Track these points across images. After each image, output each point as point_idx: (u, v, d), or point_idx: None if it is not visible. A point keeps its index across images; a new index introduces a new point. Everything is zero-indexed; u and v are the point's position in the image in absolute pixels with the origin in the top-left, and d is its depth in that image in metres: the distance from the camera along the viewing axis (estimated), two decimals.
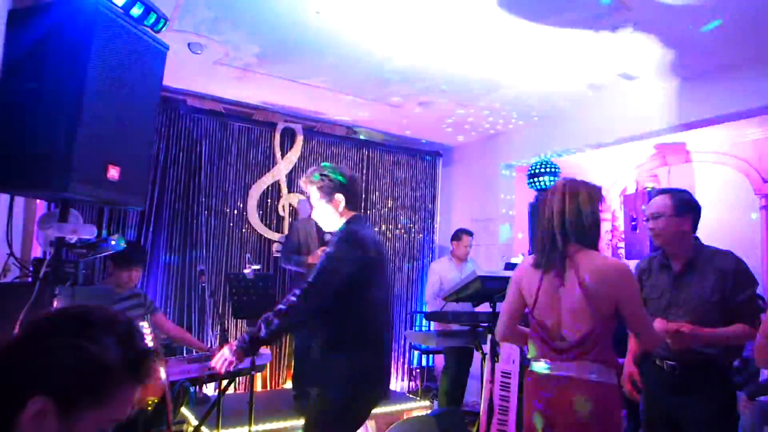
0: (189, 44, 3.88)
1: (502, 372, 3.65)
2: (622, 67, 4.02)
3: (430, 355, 6.09)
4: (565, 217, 1.95)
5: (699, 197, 2.49)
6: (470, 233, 5.14)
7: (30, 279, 1.92)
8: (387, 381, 2.35)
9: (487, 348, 3.47)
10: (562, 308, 1.93)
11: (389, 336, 2.40)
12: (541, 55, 3.87)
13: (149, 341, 2.34)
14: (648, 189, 5.59)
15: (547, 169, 5.24)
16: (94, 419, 0.82)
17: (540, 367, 1.96)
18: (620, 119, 4.68)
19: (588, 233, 1.95)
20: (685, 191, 2.44)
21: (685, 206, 2.34)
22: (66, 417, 0.78)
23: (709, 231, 2.82)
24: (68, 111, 1.66)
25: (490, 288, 3.51)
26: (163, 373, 2.32)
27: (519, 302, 2.09)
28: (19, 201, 2.43)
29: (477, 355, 4.11)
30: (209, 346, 3.72)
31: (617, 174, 6.37)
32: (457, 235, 5.15)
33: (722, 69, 3.92)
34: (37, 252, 2.68)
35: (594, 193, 1.99)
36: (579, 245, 1.94)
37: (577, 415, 1.80)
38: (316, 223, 4.57)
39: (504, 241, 5.85)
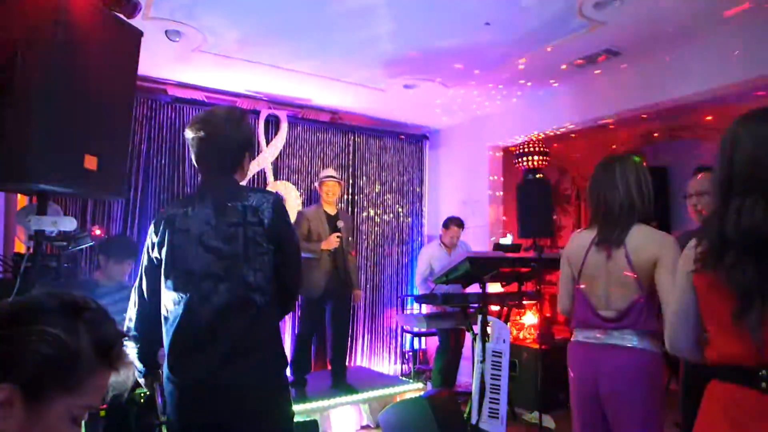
0: (166, 31, 3.81)
1: (494, 351, 3.68)
2: (606, 42, 4.00)
3: (422, 338, 6.13)
4: (642, 191, 2.00)
5: (684, 173, 2.50)
6: (460, 224, 5.12)
7: (11, 274, 1.89)
8: None
9: (477, 328, 3.49)
10: (608, 279, 1.98)
11: None
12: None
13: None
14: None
15: (534, 149, 5.24)
16: (65, 406, 0.80)
17: (586, 335, 2.04)
18: (606, 96, 4.68)
19: (650, 207, 2.02)
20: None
21: None
22: (34, 405, 0.77)
23: None
24: (38, 98, 1.62)
25: (480, 269, 3.52)
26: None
27: (570, 275, 2.15)
28: None
29: (468, 336, 4.14)
30: None
31: (604, 153, 6.38)
32: (446, 224, 5.16)
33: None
34: (21, 247, 2.64)
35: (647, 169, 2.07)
36: (638, 221, 1.98)
37: (622, 381, 1.88)
38: (325, 210, 4.61)
39: (492, 223, 5.86)
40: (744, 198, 1.20)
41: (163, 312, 1.78)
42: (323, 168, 5.53)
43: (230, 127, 1.84)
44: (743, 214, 1.18)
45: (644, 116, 5.07)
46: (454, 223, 5.12)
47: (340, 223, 4.52)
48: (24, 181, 1.68)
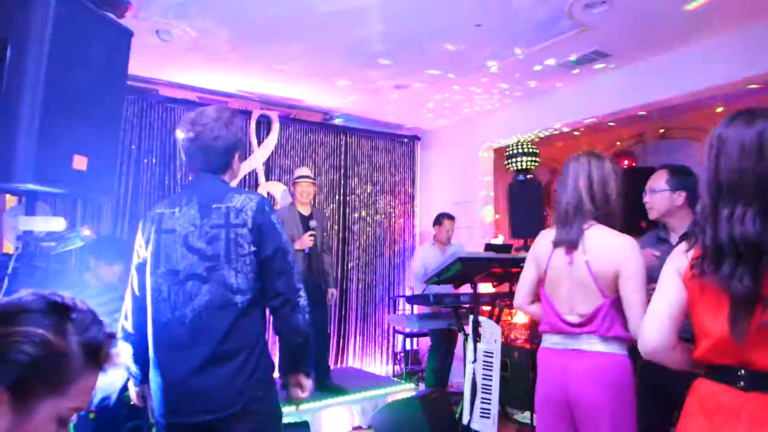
0: (157, 31, 3.79)
1: (485, 352, 3.69)
2: (596, 44, 4.03)
3: (414, 339, 6.13)
4: (592, 189, 1.92)
5: None
6: (451, 217, 5.15)
7: None
8: None
9: (469, 329, 3.50)
10: (570, 285, 1.93)
11: None
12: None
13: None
14: (624, 167, 5.66)
15: (525, 150, 5.27)
16: (52, 408, 0.80)
17: (552, 341, 1.99)
18: (595, 98, 4.71)
19: (611, 207, 1.94)
20: (683, 167, 2.44)
21: (679, 182, 2.37)
22: (21, 406, 0.77)
23: None
24: (27, 98, 1.61)
25: (471, 269, 3.53)
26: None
27: (534, 274, 2.11)
28: None
29: (460, 336, 4.15)
30: None
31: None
32: (438, 220, 5.16)
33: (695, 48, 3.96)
34: (9, 248, 2.62)
35: (617, 168, 1.99)
36: (595, 221, 1.92)
37: (591, 387, 1.83)
38: (298, 211, 4.59)
39: (484, 223, 5.88)
40: (734, 205, 1.21)
41: (149, 310, 1.79)
42: (303, 167, 5.53)
43: (218, 128, 1.83)
44: (735, 223, 1.19)
45: (640, 114, 5.11)
46: (445, 217, 5.13)
47: (313, 223, 4.48)
48: (12, 180, 1.67)
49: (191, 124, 1.84)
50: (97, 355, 0.84)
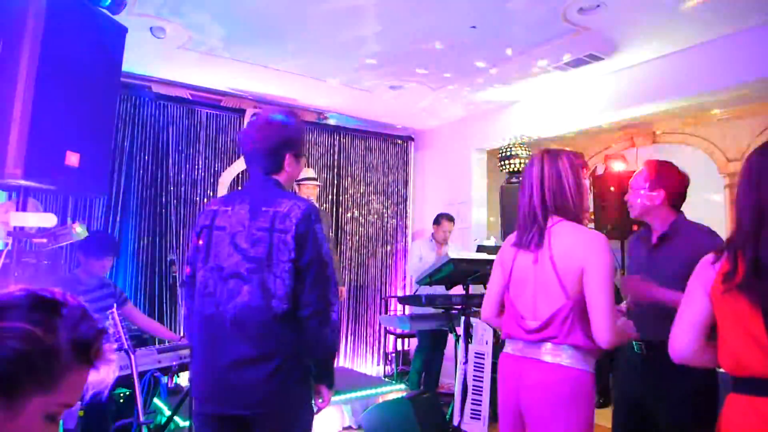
0: (151, 28, 3.78)
1: (476, 353, 3.70)
2: (589, 47, 4.05)
3: (406, 339, 6.14)
4: (544, 186, 1.84)
5: None
6: (451, 219, 5.15)
7: None
8: None
9: (460, 330, 3.50)
10: (534, 286, 1.83)
11: None
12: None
13: (121, 333, 2.30)
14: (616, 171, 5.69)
15: (518, 152, 5.28)
16: (42, 404, 0.78)
17: (512, 347, 1.90)
18: (589, 100, 4.74)
19: (571, 202, 1.83)
20: (665, 164, 2.37)
21: (657, 180, 2.34)
22: (8, 402, 0.75)
23: None
24: (20, 94, 1.60)
25: (463, 270, 3.54)
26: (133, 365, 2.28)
27: (500, 282, 2.00)
28: None
29: (451, 337, 4.15)
30: (180, 336, 3.68)
31: (586, 157, 6.46)
32: (437, 220, 5.18)
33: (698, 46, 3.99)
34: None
35: (575, 159, 1.88)
36: (560, 217, 1.83)
37: (542, 399, 1.74)
38: None
39: (477, 224, 5.89)
40: None
41: (196, 301, 1.85)
42: (308, 168, 5.51)
43: (269, 129, 1.88)
44: None
45: (634, 117, 5.14)
46: (444, 217, 5.14)
47: None
48: (2, 176, 1.65)
49: (248, 126, 1.94)
50: (87, 351, 0.83)
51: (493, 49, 4.12)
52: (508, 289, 1.94)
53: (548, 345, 1.76)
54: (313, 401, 1.85)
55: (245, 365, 1.72)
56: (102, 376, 0.86)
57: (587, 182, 1.92)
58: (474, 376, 3.63)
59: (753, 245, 1.30)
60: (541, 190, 1.85)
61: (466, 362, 3.40)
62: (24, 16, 1.65)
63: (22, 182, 1.72)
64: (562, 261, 1.76)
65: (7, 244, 1.82)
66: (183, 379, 4.74)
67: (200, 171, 5.22)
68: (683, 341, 1.46)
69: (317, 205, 4.32)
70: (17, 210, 1.80)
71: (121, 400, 3.06)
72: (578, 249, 1.75)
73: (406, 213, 6.63)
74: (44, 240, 1.81)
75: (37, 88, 1.65)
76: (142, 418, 2.23)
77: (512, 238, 2.00)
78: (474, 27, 3.72)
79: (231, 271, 1.77)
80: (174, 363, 2.91)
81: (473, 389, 3.57)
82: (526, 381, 1.79)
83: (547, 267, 1.79)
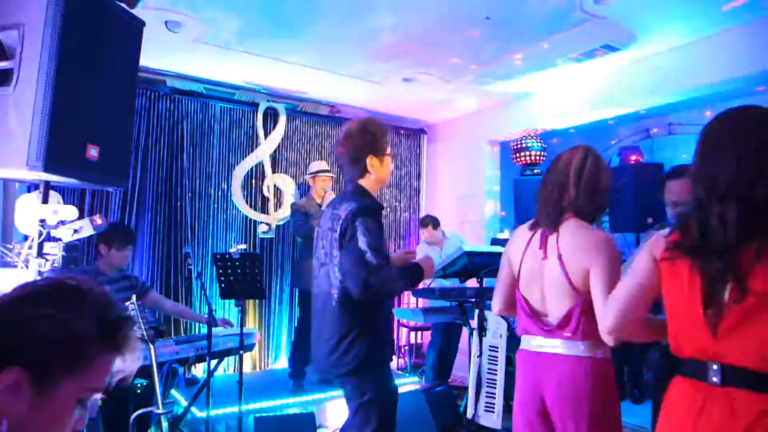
0: (166, 22, 3.80)
1: (490, 346, 3.70)
2: (605, 37, 4.01)
3: (419, 332, 6.15)
4: (582, 175, 1.83)
5: None
6: (434, 224, 5.07)
7: (12, 263, 1.89)
8: None
9: (474, 323, 3.50)
10: (544, 283, 1.85)
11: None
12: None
13: (140, 323, 2.33)
14: (632, 162, 5.64)
15: (532, 144, 5.25)
16: (72, 389, 0.81)
17: (529, 343, 1.91)
18: (604, 91, 4.69)
19: (596, 206, 1.84)
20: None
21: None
22: (41, 387, 0.78)
23: None
24: (41, 87, 1.62)
25: (477, 263, 3.53)
26: (152, 355, 2.32)
27: (509, 276, 2.01)
28: None
29: (465, 330, 4.16)
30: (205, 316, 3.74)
31: (601, 148, 6.40)
32: (423, 222, 5.15)
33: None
34: (19, 236, 2.64)
35: (612, 174, 1.92)
36: (573, 214, 1.83)
37: (568, 391, 1.76)
38: (317, 203, 4.60)
39: (490, 217, 5.88)
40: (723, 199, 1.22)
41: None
42: (321, 161, 5.52)
43: (346, 140, 2.21)
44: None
45: (643, 112, 5.09)
46: (427, 222, 5.08)
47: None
48: (25, 169, 1.68)
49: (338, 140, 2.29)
50: (114, 337, 0.85)
51: (507, 41, 4.09)
52: (518, 284, 1.95)
53: (568, 340, 1.79)
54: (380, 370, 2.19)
55: (321, 340, 2.16)
56: (128, 362, 0.88)
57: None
58: (488, 369, 3.63)
59: (703, 211, 1.23)
60: (577, 185, 1.83)
61: (480, 355, 3.40)
62: (44, 9, 1.66)
63: (44, 175, 1.75)
64: (570, 261, 1.78)
65: (28, 237, 1.85)
66: (199, 370, 4.80)
67: (214, 164, 5.26)
68: (610, 312, 1.43)
69: (332, 196, 4.33)
70: (40, 203, 1.83)
71: (139, 391, 3.10)
72: (584, 250, 1.77)
73: (419, 206, 6.62)
74: (65, 232, 1.84)
75: (57, 81, 1.66)
76: (161, 409, 2.26)
77: (521, 230, 2.01)
78: (488, 18, 3.69)
79: (319, 262, 2.21)
80: (191, 354, 2.94)
81: (487, 382, 3.57)
82: (549, 376, 1.80)
83: (555, 266, 1.81)
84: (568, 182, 1.84)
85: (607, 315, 1.45)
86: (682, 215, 1.31)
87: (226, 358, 4.33)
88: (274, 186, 5.57)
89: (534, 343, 1.88)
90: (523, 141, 5.28)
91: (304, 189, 5.68)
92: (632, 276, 1.40)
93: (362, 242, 2.01)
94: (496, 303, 2.09)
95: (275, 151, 5.58)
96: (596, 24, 3.73)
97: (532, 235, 1.92)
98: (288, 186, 5.59)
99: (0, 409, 0.75)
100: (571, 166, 1.85)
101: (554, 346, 1.81)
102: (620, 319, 1.41)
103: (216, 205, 5.26)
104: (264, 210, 5.52)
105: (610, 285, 1.67)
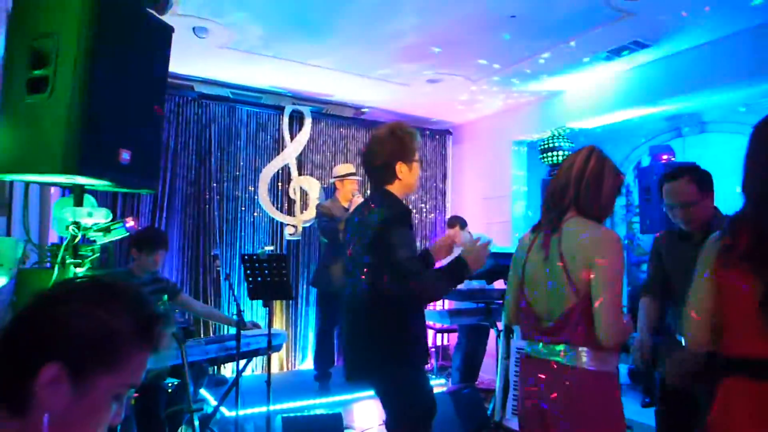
0: (194, 28, 3.87)
1: (518, 348, 3.65)
2: (634, 34, 3.93)
3: (445, 334, 6.12)
4: (584, 175, 1.78)
5: (714, 168, 2.45)
6: (462, 224, 5.13)
7: (48, 264, 1.94)
8: None
9: (501, 324, 3.47)
10: (547, 283, 1.78)
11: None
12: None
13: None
14: (663, 161, 5.52)
15: (560, 144, 5.18)
16: (108, 385, 0.83)
17: (531, 348, 1.85)
18: (633, 89, 4.60)
19: (599, 204, 1.78)
20: (695, 167, 2.38)
21: (706, 184, 2.30)
22: (79, 383, 0.80)
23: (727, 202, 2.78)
24: (76, 92, 1.66)
25: (504, 265, 3.49)
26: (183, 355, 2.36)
27: (517, 281, 1.94)
28: (35, 187, 2.45)
29: (492, 332, 4.12)
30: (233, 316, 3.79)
31: (630, 148, 6.28)
32: (450, 222, 5.17)
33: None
34: (54, 238, 2.71)
35: (620, 174, 1.85)
36: (579, 212, 1.78)
37: (568, 404, 1.69)
38: (343, 206, 4.63)
39: (517, 218, 5.82)
40: None
41: None
42: (347, 164, 5.55)
43: (372, 146, 2.21)
44: None
45: (673, 110, 4.98)
46: (453, 222, 5.11)
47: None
48: (60, 173, 1.72)
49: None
50: (148, 334, 0.88)
51: (534, 39, 4.04)
52: (522, 287, 1.89)
53: (565, 347, 1.72)
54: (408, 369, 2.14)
55: (352, 338, 2.19)
56: (161, 358, 0.91)
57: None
58: (515, 371, 3.58)
59: (758, 217, 1.22)
60: (579, 184, 1.79)
61: (507, 357, 3.37)
62: (77, 16, 1.71)
63: (78, 179, 1.79)
64: (572, 259, 1.72)
65: (64, 239, 1.90)
66: (227, 370, 4.87)
67: (241, 168, 5.33)
68: (699, 335, 1.41)
69: (360, 199, 4.34)
70: (75, 206, 1.88)
71: (170, 390, 3.16)
72: (585, 248, 1.71)
73: (444, 208, 6.60)
74: (99, 234, 1.89)
75: (91, 87, 1.70)
76: (192, 407, 2.30)
77: (526, 233, 1.97)
78: (513, 16, 3.66)
79: (349, 268, 2.22)
80: (220, 354, 2.98)
81: (514, 385, 3.53)
82: (547, 385, 1.75)
83: (557, 264, 1.75)
84: (569, 182, 1.81)
85: (700, 341, 1.43)
86: (734, 219, 1.31)
87: (254, 359, 4.38)
88: (300, 188, 5.62)
89: (533, 347, 1.84)
90: (551, 141, 5.20)
91: (329, 191, 5.71)
92: (697, 293, 1.41)
93: (397, 252, 1.95)
94: (508, 312, 2.04)
95: (301, 154, 5.63)
96: (625, 20, 3.66)
97: (536, 237, 1.88)
98: (314, 188, 5.63)
99: (41, 403, 0.78)
100: (574, 166, 1.82)
101: (555, 353, 1.75)
102: (708, 339, 1.40)
103: (243, 208, 5.33)
104: (290, 212, 5.57)
105: (610, 285, 1.64)
